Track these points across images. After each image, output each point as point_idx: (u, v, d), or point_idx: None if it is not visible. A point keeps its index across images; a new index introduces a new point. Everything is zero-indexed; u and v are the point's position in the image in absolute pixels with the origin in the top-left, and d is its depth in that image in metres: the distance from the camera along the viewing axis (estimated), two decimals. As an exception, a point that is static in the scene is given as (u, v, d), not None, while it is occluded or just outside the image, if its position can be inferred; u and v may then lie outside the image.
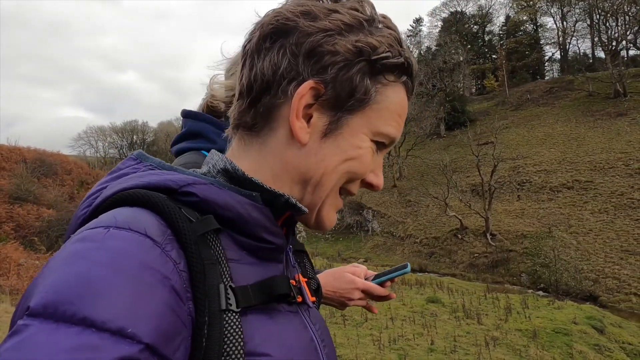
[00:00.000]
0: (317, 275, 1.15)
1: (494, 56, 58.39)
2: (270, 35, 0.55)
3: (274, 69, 0.54)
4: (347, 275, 1.19)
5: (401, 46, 0.57)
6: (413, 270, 25.56)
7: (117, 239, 0.42)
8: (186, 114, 0.93)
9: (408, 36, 63.32)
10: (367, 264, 26.63)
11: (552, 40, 55.28)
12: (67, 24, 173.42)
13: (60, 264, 0.40)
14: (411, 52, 0.60)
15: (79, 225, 0.50)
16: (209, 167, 0.58)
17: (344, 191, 0.61)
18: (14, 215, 19.09)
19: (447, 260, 28.41)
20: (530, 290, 21.55)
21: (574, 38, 52.87)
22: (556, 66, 56.43)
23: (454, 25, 58.76)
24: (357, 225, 37.77)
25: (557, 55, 55.90)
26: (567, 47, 54.28)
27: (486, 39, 61.30)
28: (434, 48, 57.08)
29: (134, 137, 69.38)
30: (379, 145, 0.60)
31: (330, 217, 0.61)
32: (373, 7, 0.58)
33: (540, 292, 21.50)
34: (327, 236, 38.28)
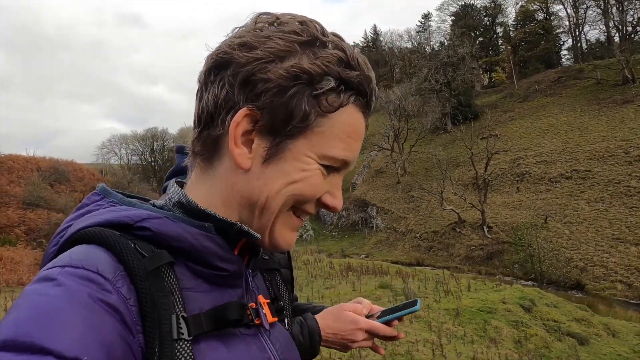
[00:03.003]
0: (316, 317, 1.13)
1: (503, 47, 57.64)
2: (212, 68, 0.58)
3: (215, 101, 0.57)
4: (349, 314, 1.11)
5: (345, 66, 0.57)
6: (410, 264, 26.08)
7: (71, 277, 0.45)
8: (178, 150, 0.93)
9: (417, 32, 63.40)
10: (369, 259, 27.28)
11: (564, 29, 54.09)
12: (102, 43, 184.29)
13: (21, 302, 0.43)
14: (365, 67, 0.60)
15: (49, 262, 0.52)
16: (166, 200, 0.61)
17: (300, 212, 0.62)
18: (25, 220, 20.86)
19: (445, 254, 28.71)
20: (521, 281, 21.70)
21: (585, 25, 51.59)
22: (570, 55, 55.21)
23: (463, 18, 58.33)
24: (362, 222, 38.40)
25: (569, 44, 54.66)
26: (579, 35, 53.02)
27: (498, 30, 60.60)
28: (446, 42, 56.89)
29: (155, 143, 72.00)
30: (329, 168, 0.60)
31: (286, 238, 0.62)
32: (318, 28, 0.58)
33: (530, 282, 21.64)
34: (333, 234, 39.08)
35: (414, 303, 1.03)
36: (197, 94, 0.61)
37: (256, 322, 0.61)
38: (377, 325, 1.06)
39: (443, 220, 31.23)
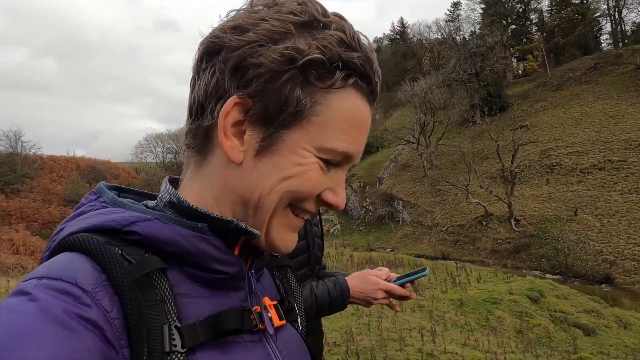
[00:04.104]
0: (346, 278, 1.39)
1: (536, 35, 55.62)
2: (204, 55, 0.54)
3: (205, 90, 0.53)
4: (371, 277, 1.35)
5: (347, 46, 0.52)
6: (435, 258, 26.03)
7: (46, 291, 0.42)
8: None
9: (446, 22, 62.15)
10: (394, 253, 27.42)
11: (602, 13, 51.55)
12: (139, 47, 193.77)
13: None
14: (367, 48, 0.54)
15: None
16: (157, 201, 0.58)
17: (299, 210, 0.57)
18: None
19: (471, 247, 28.36)
20: (547, 275, 21.24)
21: (624, 8, 48.98)
22: (610, 39, 52.59)
23: (494, 6, 56.67)
24: (389, 216, 38.38)
25: (608, 29, 52.05)
26: (619, 18, 50.40)
27: (532, 17, 58.48)
28: (477, 31, 55.52)
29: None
30: (329, 162, 0.54)
31: (285, 239, 0.58)
32: (318, 9, 0.53)
33: (557, 276, 21.14)
34: (360, 228, 39.27)
35: (424, 270, 1.26)
36: (190, 84, 0.57)
37: (261, 327, 0.56)
38: (393, 286, 1.31)
39: (469, 214, 30.80)
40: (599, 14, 51.62)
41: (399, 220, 37.04)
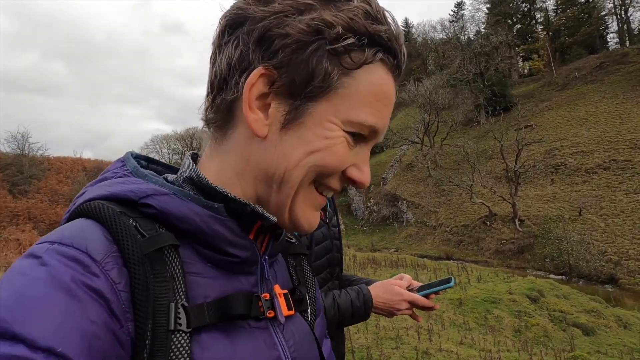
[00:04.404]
0: (369, 287, 1.35)
1: (542, 34, 55.35)
2: (226, 28, 0.53)
3: (228, 62, 0.52)
4: (395, 287, 1.30)
5: (373, 19, 0.51)
6: (439, 259, 26.02)
7: (57, 257, 0.42)
8: None
9: (450, 22, 62.01)
10: (398, 253, 27.43)
11: (608, 12, 51.18)
12: (146, 49, 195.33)
13: (4, 282, 0.40)
14: (393, 22, 0.54)
15: None
16: (177, 175, 0.57)
17: (323, 187, 0.55)
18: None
19: (475, 248, 28.31)
20: (551, 275, 21.16)
21: (630, 7, 48.60)
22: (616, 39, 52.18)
23: (499, 6, 56.47)
24: (393, 216, 38.40)
25: (615, 28, 51.66)
26: (625, 17, 50.01)
27: (537, 16, 58.21)
28: (482, 31, 55.37)
29: (194, 142, 74.69)
30: (356, 136, 0.53)
31: (308, 217, 0.56)
32: None
33: (561, 277, 21.05)
34: (364, 228, 39.30)
35: (449, 280, 1.22)
36: (210, 59, 0.56)
37: (268, 315, 0.55)
38: (418, 297, 1.27)
39: (474, 214, 30.75)
40: (605, 12, 51.28)
41: (403, 221, 37.03)
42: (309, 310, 0.67)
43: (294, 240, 0.72)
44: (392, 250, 31.77)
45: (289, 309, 0.60)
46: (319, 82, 0.50)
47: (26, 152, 38.85)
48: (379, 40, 0.51)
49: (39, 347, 0.36)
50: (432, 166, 39.80)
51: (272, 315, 0.56)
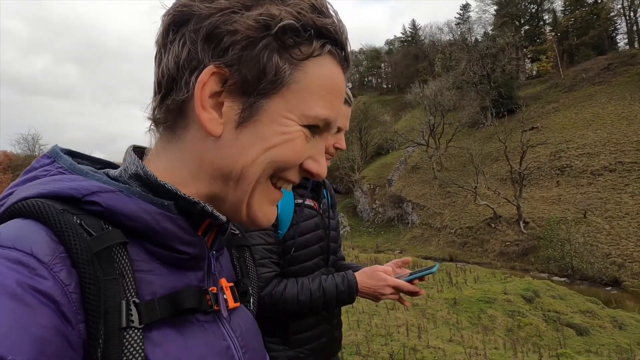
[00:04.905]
0: (355, 273, 1.44)
1: (550, 35, 55.03)
2: (171, 26, 0.52)
3: (176, 61, 0.50)
4: (379, 273, 1.38)
5: (318, 12, 0.51)
6: (443, 260, 26.00)
7: None
8: None
9: (456, 24, 61.94)
10: (402, 255, 27.49)
11: (617, 12, 50.75)
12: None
13: None
14: (336, 15, 0.54)
15: None
16: (121, 171, 0.55)
17: (281, 180, 0.56)
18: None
19: (479, 250, 28.27)
20: (555, 277, 21.08)
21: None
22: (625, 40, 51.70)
23: (506, 7, 56.30)
24: (398, 218, 38.41)
25: (624, 29, 51.20)
26: (635, 18, 49.56)
27: (545, 17, 57.94)
28: (490, 33, 55.22)
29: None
30: (313, 129, 0.54)
31: (265, 212, 0.56)
32: None
33: (564, 279, 20.96)
34: (369, 230, 39.37)
35: (433, 267, 1.30)
36: (155, 59, 0.55)
37: (216, 308, 0.56)
38: (401, 282, 1.34)
39: (478, 216, 30.69)
40: (613, 13, 50.86)
41: (408, 222, 37.03)
42: (251, 300, 0.70)
43: (237, 232, 0.74)
44: (397, 251, 31.78)
45: (235, 301, 0.62)
46: (271, 78, 0.50)
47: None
48: (326, 33, 0.52)
49: None
50: (437, 168, 39.76)
51: (218, 309, 0.57)
